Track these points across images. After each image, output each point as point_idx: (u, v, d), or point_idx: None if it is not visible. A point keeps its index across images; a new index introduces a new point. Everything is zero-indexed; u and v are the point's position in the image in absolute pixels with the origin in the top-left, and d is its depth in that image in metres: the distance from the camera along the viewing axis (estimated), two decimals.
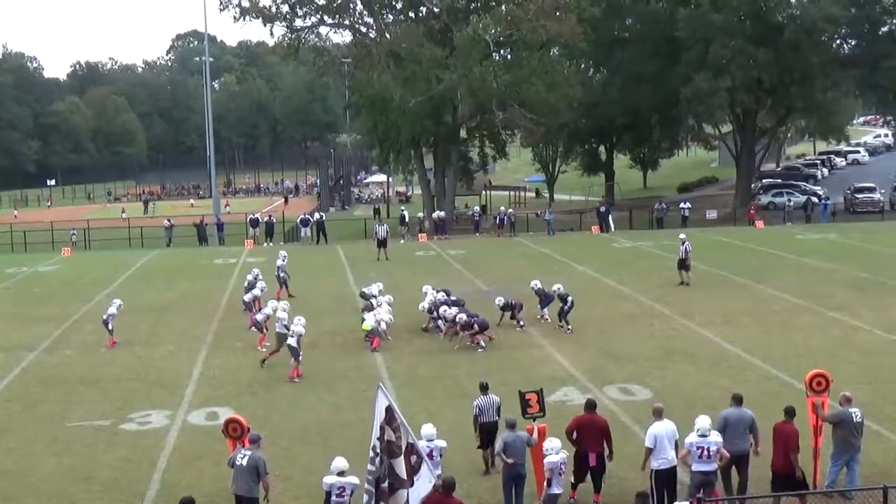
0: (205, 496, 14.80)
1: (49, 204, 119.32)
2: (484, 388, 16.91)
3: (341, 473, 13.63)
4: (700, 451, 14.22)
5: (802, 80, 61.33)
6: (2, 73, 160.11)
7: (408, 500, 12.29)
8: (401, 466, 12.21)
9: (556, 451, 14.21)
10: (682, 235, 37.35)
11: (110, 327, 27.63)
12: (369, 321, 26.47)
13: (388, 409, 12.24)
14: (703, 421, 14.42)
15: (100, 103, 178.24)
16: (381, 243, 46.32)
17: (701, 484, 14.25)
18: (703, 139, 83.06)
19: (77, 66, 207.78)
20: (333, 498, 13.60)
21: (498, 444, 14.95)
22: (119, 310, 28.22)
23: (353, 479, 13.64)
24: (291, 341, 23.57)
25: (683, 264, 35.19)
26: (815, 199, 62.95)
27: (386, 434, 12.20)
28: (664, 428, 14.64)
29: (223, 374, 24.27)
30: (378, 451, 12.17)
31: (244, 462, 13.98)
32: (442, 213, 59.75)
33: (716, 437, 14.36)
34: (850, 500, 14.87)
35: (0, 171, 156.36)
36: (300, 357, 23.46)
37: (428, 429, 14.90)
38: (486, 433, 16.40)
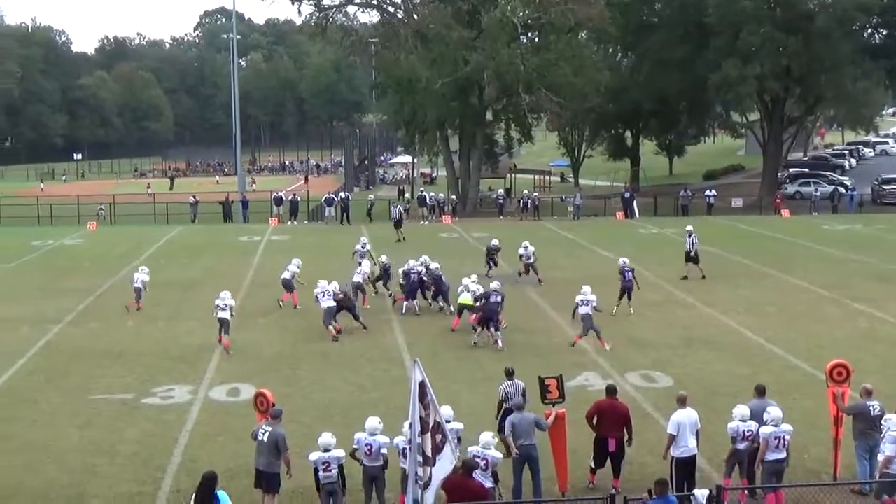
0: (226, 471, 14.89)
1: (64, 178, 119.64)
2: (510, 374, 16.84)
3: (327, 449, 13.78)
4: (777, 440, 14.26)
5: (832, 69, 60.82)
6: (30, 46, 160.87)
7: (430, 479, 12.34)
8: (427, 444, 12.26)
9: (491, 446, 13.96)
10: (689, 227, 35.83)
11: (141, 294, 29.28)
12: (466, 296, 26.20)
13: (422, 385, 12.31)
14: (776, 411, 14.45)
15: (127, 79, 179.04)
16: (397, 224, 46.42)
17: (774, 472, 14.30)
18: (731, 127, 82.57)
19: (105, 40, 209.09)
20: (321, 473, 13.75)
21: (506, 427, 14.94)
22: (147, 276, 29.76)
23: (339, 453, 13.85)
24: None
25: (689, 256, 34.16)
26: (842, 190, 62.54)
27: (418, 410, 12.28)
28: (687, 416, 14.62)
29: (246, 351, 24.38)
30: (415, 425, 12.27)
31: (265, 438, 14.06)
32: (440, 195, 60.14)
33: (787, 426, 14.41)
34: (865, 494, 14.74)
35: (28, 145, 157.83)
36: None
37: (445, 410, 14.94)
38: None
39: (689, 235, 34.56)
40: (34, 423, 18.89)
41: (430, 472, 12.28)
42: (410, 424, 12.41)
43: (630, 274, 27.95)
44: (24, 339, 25.71)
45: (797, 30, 59.38)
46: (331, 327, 25.43)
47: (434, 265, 29.24)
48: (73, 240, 48.48)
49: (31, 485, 15.70)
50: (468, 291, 26.08)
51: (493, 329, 24.32)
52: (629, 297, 27.74)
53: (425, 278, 28.92)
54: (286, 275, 29.91)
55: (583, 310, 24.41)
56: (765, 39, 59.20)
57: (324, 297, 25.72)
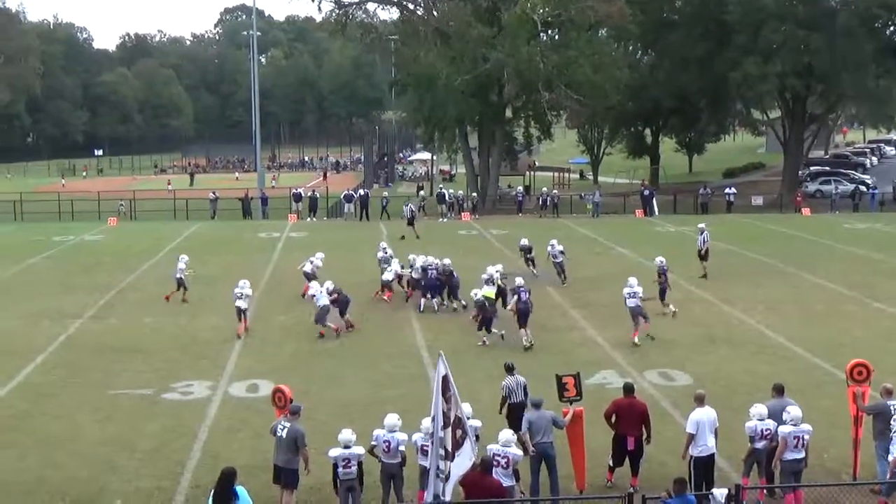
0: (244, 467, 14.92)
1: (84, 174, 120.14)
2: (510, 369, 16.90)
3: (347, 446, 13.80)
4: (797, 440, 14.21)
5: (854, 66, 60.30)
6: (52, 43, 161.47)
7: (448, 474, 12.35)
8: (447, 438, 12.28)
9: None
10: (702, 224, 35.83)
11: (183, 284, 29.86)
12: (489, 289, 26.10)
13: (445, 379, 12.35)
14: (795, 410, 14.39)
15: (148, 75, 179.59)
16: (409, 222, 46.37)
17: (793, 472, 14.27)
18: (751, 124, 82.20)
19: (126, 37, 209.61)
20: (340, 469, 13.79)
21: (523, 424, 14.92)
22: (186, 264, 30.37)
23: (359, 450, 13.86)
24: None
25: (700, 254, 34.04)
26: (863, 188, 62.19)
27: (440, 403, 12.31)
28: (706, 415, 14.57)
29: (265, 347, 24.47)
30: (437, 418, 12.32)
31: (283, 434, 14.10)
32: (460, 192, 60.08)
33: (807, 426, 14.36)
34: (878, 493, 14.60)
35: (49, 141, 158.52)
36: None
37: (465, 407, 14.92)
38: (516, 414, 16.20)
39: (702, 233, 34.49)
40: (54, 417, 19.00)
41: (449, 467, 12.30)
42: (433, 418, 12.45)
43: (667, 274, 27.75)
44: (45, 334, 25.87)
45: (819, 27, 59.00)
46: (329, 324, 25.39)
47: (446, 261, 29.30)
48: (93, 235, 48.71)
49: (51, 479, 15.80)
50: (492, 283, 26.13)
51: (525, 327, 24.21)
52: (662, 297, 27.54)
53: (437, 273, 29.00)
54: (308, 267, 30.10)
55: (631, 302, 24.60)
56: (786, 37, 58.90)
57: (320, 295, 25.58)
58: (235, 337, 25.29)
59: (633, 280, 25.00)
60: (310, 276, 29.56)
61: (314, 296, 25.78)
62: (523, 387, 16.55)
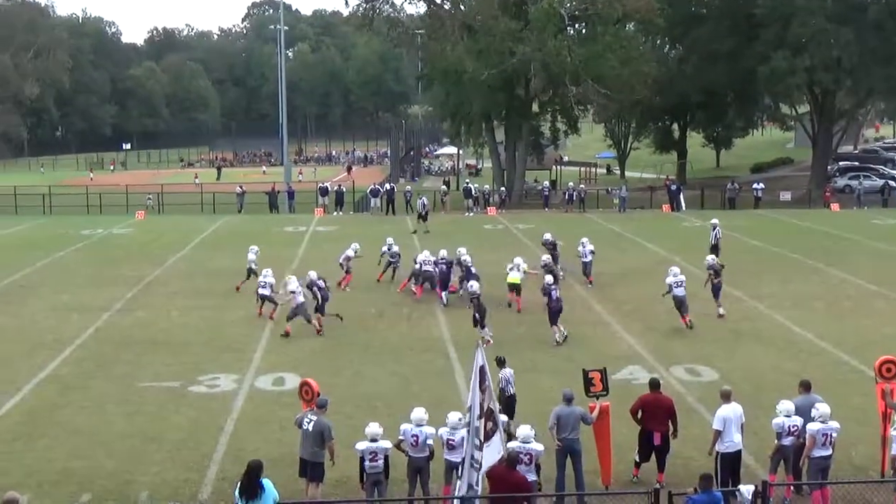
0: (270, 460, 14.95)
1: (112, 168, 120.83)
2: (501, 363, 17.17)
3: (374, 440, 13.84)
4: (825, 437, 14.13)
5: (884, 61, 59.87)
6: (81, 37, 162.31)
7: (480, 465, 12.40)
8: (482, 429, 12.31)
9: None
10: (714, 220, 35.51)
11: (250, 271, 30.18)
12: (515, 275, 27.03)
13: (482, 370, 12.40)
14: (824, 407, 14.30)
15: (175, 69, 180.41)
16: (421, 216, 46.18)
17: (821, 469, 14.19)
18: (780, 119, 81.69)
19: (154, 32, 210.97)
20: (367, 463, 13.83)
21: (550, 419, 14.89)
22: (257, 255, 30.83)
23: (387, 444, 13.91)
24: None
25: (713, 248, 33.69)
26: (892, 183, 61.65)
27: (477, 393, 12.36)
28: (732, 411, 14.50)
29: (291, 341, 24.52)
30: (474, 408, 12.36)
31: (310, 427, 14.14)
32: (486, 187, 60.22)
33: (835, 423, 14.28)
34: None
35: (78, 135, 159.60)
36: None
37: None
38: (509, 405, 16.67)
39: (714, 228, 34.41)
40: (82, 409, 19.13)
41: (482, 458, 12.34)
42: (469, 407, 12.50)
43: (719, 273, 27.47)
44: (74, 327, 26.05)
45: (848, 21, 58.54)
46: (314, 321, 25.13)
47: (465, 256, 29.34)
48: (121, 229, 49.02)
49: (78, 470, 15.91)
50: (518, 270, 26.65)
51: (557, 324, 24.21)
52: (717, 296, 27.12)
53: (448, 267, 29.22)
54: (343, 258, 30.77)
55: (678, 291, 25.05)
56: (815, 31, 58.41)
57: (298, 292, 25.26)
58: (264, 326, 25.48)
59: (675, 269, 25.30)
60: (345, 266, 30.54)
61: (293, 291, 25.33)
62: (512, 380, 17.22)
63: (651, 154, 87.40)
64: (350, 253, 31.13)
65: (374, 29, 72.57)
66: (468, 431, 12.57)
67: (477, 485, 12.25)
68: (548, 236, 33.27)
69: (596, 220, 51.01)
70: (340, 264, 30.92)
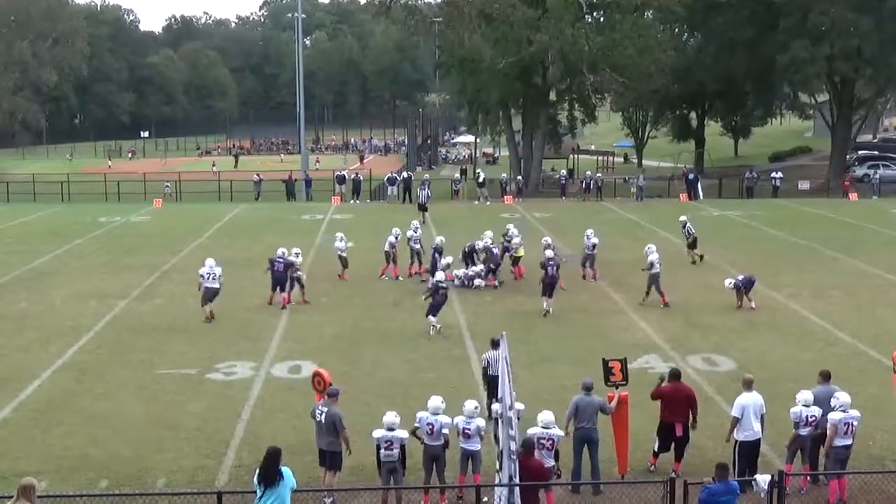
0: (286, 447, 14.98)
1: (130, 156, 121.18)
2: (495, 344, 17.01)
3: (391, 428, 13.85)
4: (846, 426, 14.11)
5: None
6: (99, 25, 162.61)
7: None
8: (513, 420, 12.34)
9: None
10: (683, 218, 34.89)
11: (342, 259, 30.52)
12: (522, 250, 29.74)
13: (505, 360, 12.47)
14: (844, 396, 14.27)
15: (193, 57, 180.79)
16: (422, 207, 45.79)
17: (840, 458, 14.16)
18: (799, 108, 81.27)
19: (172, 19, 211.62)
20: (382, 451, 13.87)
21: (570, 408, 14.88)
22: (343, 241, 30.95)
23: (403, 433, 13.92)
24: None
25: (689, 244, 33.58)
26: None
27: (507, 382, 12.40)
28: (752, 399, 14.46)
29: (307, 329, 24.57)
30: (505, 398, 12.39)
31: (322, 419, 14.19)
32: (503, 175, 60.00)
33: (856, 412, 14.25)
34: None
35: (96, 122, 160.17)
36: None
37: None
38: (493, 385, 16.42)
39: (684, 226, 33.95)
40: (100, 396, 19.22)
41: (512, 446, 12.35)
42: (500, 398, 12.53)
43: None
44: (92, 314, 26.15)
45: (868, 10, 58.12)
46: (207, 308, 25.27)
47: (487, 240, 29.87)
48: (139, 217, 49.16)
49: (95, 457, 15.98)
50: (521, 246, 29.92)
51: (548, 295, 25.59)
52: (748, 290, 26.91)
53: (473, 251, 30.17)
54: (388, 245, 30.88)
55: (729, 281, 26.55)
56: (835, 19, 58.03)
57: (209, 279, 25.39)
58: (279, 314, 25.63)
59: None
60: (389, 255, 30.73)
61: (203, 276, 25.59)
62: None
63: (669, 143, 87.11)
64: (392, 239, 30.87)
65: (391, 17, 72.47)
66: (502, 423, 12.55)
67: (516, 475, 12.22)
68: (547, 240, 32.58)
69: (613, 208, 50.88)
70: (386, 253, 30.76)
